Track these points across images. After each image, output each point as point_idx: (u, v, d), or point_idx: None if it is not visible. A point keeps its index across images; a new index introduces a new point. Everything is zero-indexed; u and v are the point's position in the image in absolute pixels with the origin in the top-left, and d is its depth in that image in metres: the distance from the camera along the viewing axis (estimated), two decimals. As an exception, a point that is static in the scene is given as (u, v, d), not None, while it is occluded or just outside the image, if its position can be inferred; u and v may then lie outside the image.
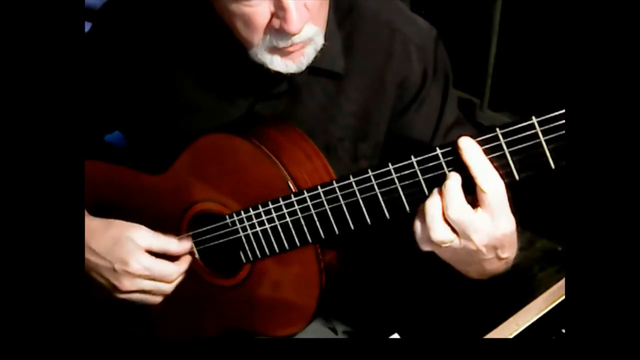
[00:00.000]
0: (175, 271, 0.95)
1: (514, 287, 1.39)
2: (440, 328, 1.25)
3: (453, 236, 0.74)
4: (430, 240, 0.75)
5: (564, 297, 0.88)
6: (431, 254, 0.80)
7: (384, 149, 1.00)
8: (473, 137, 0.72)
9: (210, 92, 0.97)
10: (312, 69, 0.92)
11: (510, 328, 0.86)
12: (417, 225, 0.76)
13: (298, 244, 0.88)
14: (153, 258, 0.93)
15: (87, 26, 1.01)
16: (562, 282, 0.90)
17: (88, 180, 0.98)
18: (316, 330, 1.05)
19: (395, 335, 0.96)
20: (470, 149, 0.72)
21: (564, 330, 0.85)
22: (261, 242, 0.90)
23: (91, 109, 1.01)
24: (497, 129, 0.71)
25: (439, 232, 0.74)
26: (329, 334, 1.09)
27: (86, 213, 0.97)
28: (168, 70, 0.97)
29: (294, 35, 0.80)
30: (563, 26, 1.84)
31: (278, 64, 0.85)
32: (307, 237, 0.87)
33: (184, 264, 0.96)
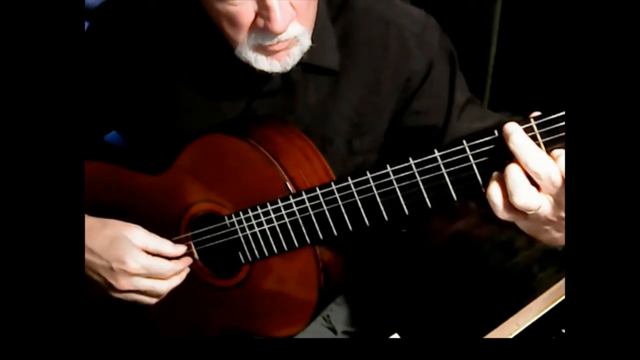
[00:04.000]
0: (172, 269, 0.95)
1: (514, 287, 1.40)
2: (440, 328, 1.25)
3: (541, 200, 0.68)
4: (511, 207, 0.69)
5: (564, 297, 0.88)
6: (432, 255, 0.79)
7: (387, 144, 1.00)
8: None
9: (206, 91, 0.97)
10: (307, 66, 0.92)
11: (510, 328, 0.86)
12: (497, 192, 0.70)
13: (297, 244, 0.88)
14: (150, 257, 0.93)
15: (86, 26, 1.01)
16: (562, 282, 0.90)
17: (87, 180, 0.98)
18: (315, 330, 1.05)
19: (395, 335, 0.96)
20: (519, 132, 0.68)
21: (564, 330, 0.85)
22: (260, 243, 0.90)
23: (89, 109, 1.01)
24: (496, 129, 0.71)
25: (524, 196, 0.67)
26: (329, 334, 1.09)
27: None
28: (163, 69, 0.97)
29: (278, 34, 0.80)
30: (563, 26, 1.84)
31: (263, 63, 0.85)
32: (305, 238, 0.87)
33: (180, 264, 0.96)
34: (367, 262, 1.11)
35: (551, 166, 0.66)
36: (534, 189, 0.67)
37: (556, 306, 0.88)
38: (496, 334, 0.86)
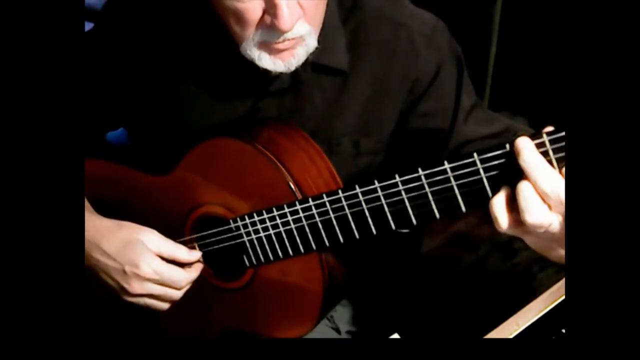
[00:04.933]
0: (185, 278, 0.94)
1: (514, 287, 1.40)
2: (441, 328, 1.26)
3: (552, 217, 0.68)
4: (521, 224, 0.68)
5: (564, 297, 0.88)
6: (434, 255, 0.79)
7: (393, 144, 1.00)
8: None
9: (212, 89, 0.97)
10: (316, 66, 0.92)
11: (510, 328, 0.86)
12: (502, 210, 0.70)
13: (302, 251, 0.87)
14: (164, 263, 0.93)
15: (87, 26, 1.02)
16: (562, 282, 0.90)
17: (95, 180, 0.99)
18: (320, 330, 1.05)
19: (395, 335, 0.97)
20: (530, 149, 0.67)
21: (564, 330, 0.85)
22: (265, 248, 0.90)
23: (93, 107, 1.02)
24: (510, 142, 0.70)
25: (536, 214, 0.67)
26: (333, 334, 1.09)
27: (96, 214, 0.97)
28: (170, 67, 0.98)
29: (284, 32, 0.80)
30: (563, 26, 1.84)
31: (266, 61, 0.85)
32: (311, 245, 0.86)
33: (194, 272, 0.96)
34: (370, 264, 1.11)
35: (560, 186, 0.66)
36: (546, 207, 0.67)
37: (556, 306, 0.88)
38: (496, 334, 0.86)
